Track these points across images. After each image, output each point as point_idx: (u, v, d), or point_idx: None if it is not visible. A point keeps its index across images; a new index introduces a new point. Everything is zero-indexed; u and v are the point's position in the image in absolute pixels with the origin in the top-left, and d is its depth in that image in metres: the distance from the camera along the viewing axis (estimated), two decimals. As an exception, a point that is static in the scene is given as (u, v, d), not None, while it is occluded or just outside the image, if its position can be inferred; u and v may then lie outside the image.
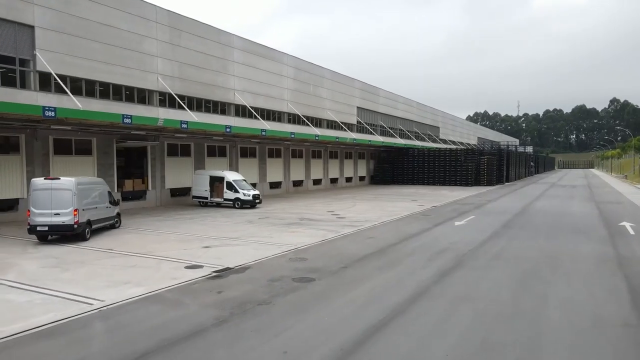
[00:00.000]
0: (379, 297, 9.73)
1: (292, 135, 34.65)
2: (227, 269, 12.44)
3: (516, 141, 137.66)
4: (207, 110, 32.85)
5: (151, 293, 10.15)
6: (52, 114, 18.84)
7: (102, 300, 9.55)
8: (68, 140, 24.29)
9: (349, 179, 52.95)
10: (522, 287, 10.56)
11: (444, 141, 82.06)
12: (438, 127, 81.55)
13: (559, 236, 17.76)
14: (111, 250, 15.05)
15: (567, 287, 10.54)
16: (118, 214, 19.86)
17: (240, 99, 35.03)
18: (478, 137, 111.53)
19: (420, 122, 72.88)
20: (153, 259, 13.66)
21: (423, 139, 71.57)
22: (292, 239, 17.09)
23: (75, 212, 16.14)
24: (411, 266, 12.65)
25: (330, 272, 11.97)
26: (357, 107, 53.46)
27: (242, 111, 35.71)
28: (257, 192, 28.59)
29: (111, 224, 19.30)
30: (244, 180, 29.29)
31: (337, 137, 40.77)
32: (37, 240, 16.58)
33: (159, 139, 28.79)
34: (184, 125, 25.28)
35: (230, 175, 28.33)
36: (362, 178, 56.13)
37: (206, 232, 18.65)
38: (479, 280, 11.18)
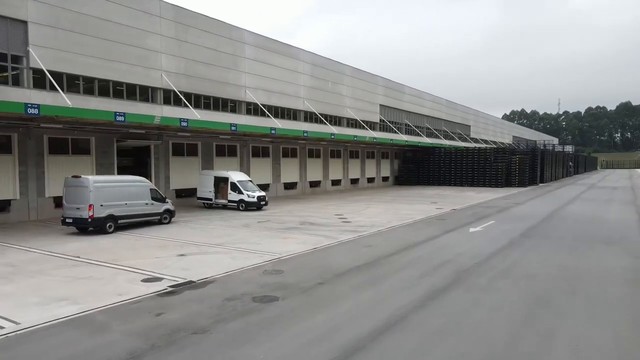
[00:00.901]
0: (340, 328, 7.98)
1: (305, 134, 33.09)
2: (188, 283, 10.96)
3: (555, 140, 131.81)
4: (216, 108, 31.68)
5: (82, 314, 8.77)
6: (35, 111, 17.94)
7: (18, 323, 8.22)
8: (64, 140, 23.52)
9: (371, 180, 50.96)
10: (525, 318, 8.58)
11: (476, 140, 78.69)
12: (469, 126, 78.26)
13: (587, 248, 15.45)
14: (78, 257, 13.85)
15: (586, 322, 8.46)
16: (167, 211, 20.94)
17: (252, 97, 33.72)
18: (513, 136, 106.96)
19: (449, 121, 69.97)
20: (113, 269, 12.34)
21: (452, 138, 68.67)
22: (280, 247, 15.51)
23: (90, 207, 17.79)
24: (397, 285, 10.81)
25: (301, 290, 10.29)
26: (380, 105, 51.37)
27: (254, 109, 34.40)
28: (262, 193, 27.14)
29: (158, 220, 20.55)
30: (250, 181, 27.92)
31: (354, 136, 38.93)
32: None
33: (162, 138, 27.78)
34: (184, 124, 24.13)
35: (235, 176, 26.99)
36: (385, 179, 54.00)
37: (192, 237, 17.29)
38: (473, 306, 9.25)
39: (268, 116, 34.72)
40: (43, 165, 22.54)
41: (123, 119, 21.08)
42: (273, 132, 30.22)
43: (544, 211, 26.47)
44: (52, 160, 22.98)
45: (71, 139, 23.72)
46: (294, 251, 14.84)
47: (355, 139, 38.93)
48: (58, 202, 23.15)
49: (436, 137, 63.33)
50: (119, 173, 26.75)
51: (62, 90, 23.23)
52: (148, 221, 20.32)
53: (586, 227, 20.03)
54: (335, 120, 43.92)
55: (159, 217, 20.59)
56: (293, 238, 17.40)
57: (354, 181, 48.02)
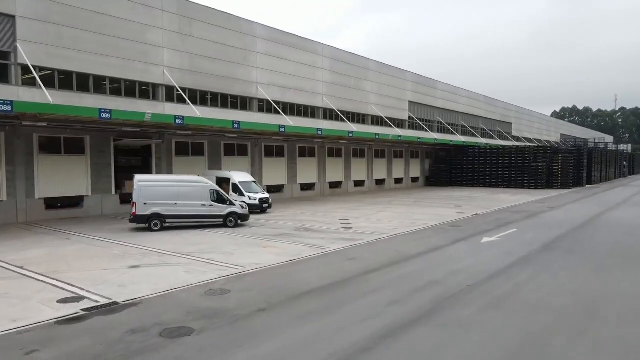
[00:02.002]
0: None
1: (319, 132, 31.09)
2: (109, 304, 9.26)
3: (609, 138, 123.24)
4: (224, 106, 30.23)
5: (-53, 346, 7.19)
6: (9, 108, 16.90)
7: None
8: (55, 139, 22.63)
9: (398, 181, 48.28)
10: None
11: (517, 139, 73.96)
12: (510, 123, 73.71)
13: (620, 268, 12.66)
14: (21, 267, 12.49)
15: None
16: (233, 214, 19.73)
17: (263, 93, 32.06)
18: (561, 134, 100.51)
19: (487, 118, 65.96)
20: (43, 284, 10.83)
21: (490, 136, 64.70)
22: (252, 258, 13.65)
23: (133, 205, 18.55)
24: (354, 315, 8.67)
25: (231, 320, 8.35)
26: (409, 102, 48.60)
27: (266, 106, 32.73)
28: (265, 195, 25.38)
29: (222, 223, 19.53)
30: (254, 182, 26.24)
31: (376, 134, 36.56)
32: None
33: (164, 137, 26.56)
34: (179, 121, 22.75)
35: (237, 177, 25.35)
36: (415, 179, 51.12)
37: (164, 245, 15.69)
38: (435, 352, 7.00)
39: (280, 113, 32.95)
40: (32, 165, 21.70)
41: (109, 116, 19.86)
42: (282, 130, 28.42)
43: (580, 217, 23.28)
44: (43, 160, 22.12)
45: (64, 137, 22.80)
46: (264, 264, 12.94)
47: (377, 137, 36.56)
48: (49, 203, 22.38)
49: (472, 135, 59.70)
50: (121, 173, 25.78)
51: (54, 87, 22.39)
52: (209, 224, 19.42)
53: (627, 240, 16.97)
54: (358, 118, 41.64)
55: (221, 220, 19.48)
56: (274, 247, 15.48)
57: (380, 182, 45.53)
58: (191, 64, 28.01)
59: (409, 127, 48.42)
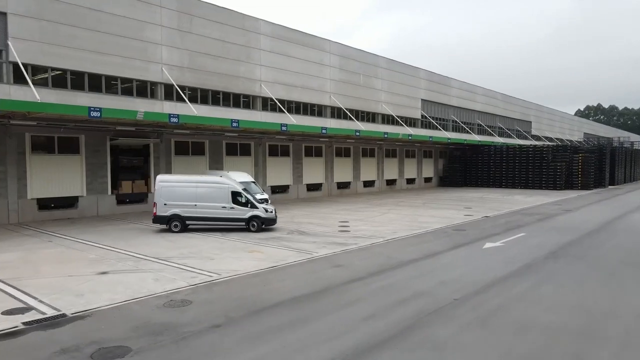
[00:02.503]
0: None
1: (324, 131, 30.13)
2: (56, 317, 8.51)
3: (635, 137, 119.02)
4: (227, 104, 29.53)
5: None
6: (-11, 106, 16.43)
7: None
8: (49, 138, 22.21)
9: (410, 181, 46.96)
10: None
11: (538, 138, 71.70)
12: (530, 122, 71.51)
13: (632, 277, 11.41)
14: (-14, 272, 11.87)
15: None
16: (255, 217, 18.29)
17: (267, 91, 31.25)
18: (584, 133, 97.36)
19: (505, 117, 64.01)
20: (-2, 292, 10.15)
21: (509, 135, 62.74)
22: (232, 264, 12.80)
23: (154, 205, 18.40)
24: (324, 331, 7.72)
25: (176, 338, 7.47)
26: (422, 100, 47.24)
27: (270, 105, 31.91)
28: (264, 196, 24.49)
29: (244, 226, 18.35)
30: (253, 182, 25.38)
31: (385, 133, 35.40)
32: None
33: (163, 136, 25.96)
34: (174, 120, 22.07)
35: (233, 177, 24.48)
36: (428, 179, 49.70)
37: (142, 249, 14.94)
38: (397, 382, 5.99)
39: (283, 111, 32.09)
40: (25, 164, 21.28)
41: (99, 115, 19.27)
42: (284, 128, 27.56)
43: (597, 221, 21.81)
44: (36, 160, 21.70)
45: (57, 137, 22.35)
46: (242, 270, 12.06)
47: (386, 136, 35.40)
48: (42, 203, 21.95)
49: (489, 134, 57.90)
50: (118, 173, 25.29)
51: (48, 85, 21.97)
52: (230, 227, 18.44)
53: (643, 245, 15.59)
54: (368, 117, 40.53)
55: (244, 223, 18.31)
56: (260, 252, 14.60)
57: (390, 182, 44.30)
58: (191, 61, 27.36)
59: (422, 126, 47.06)
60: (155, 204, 18.36)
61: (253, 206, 18.40)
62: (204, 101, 28.38)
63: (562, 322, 8.13)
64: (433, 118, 48.41)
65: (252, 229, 18.25)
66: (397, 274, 11.67)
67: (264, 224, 18.43)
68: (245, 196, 18.38)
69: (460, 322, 8.07)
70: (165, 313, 8.73)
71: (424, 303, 9.14)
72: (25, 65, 20.97)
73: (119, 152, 25.34)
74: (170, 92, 26.49)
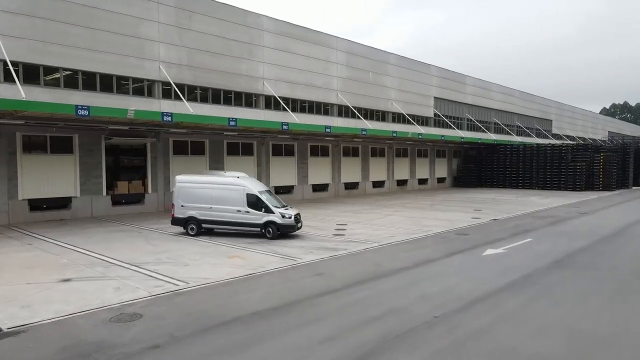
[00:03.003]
0: None
1: (328, 130, 29.13)
2: (-11, 332, 7.76)
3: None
4: (228, 102, 28.80)
5: None
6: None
7: None
8: (41, 137, 21.78)
9: (422, 181, 45.59)
10: None
11: (558, 137, 69.26)
12: (550, 120, 69.16)
13: (641, 291, 10.16)
14: (-55, 278, 11.29)
15: None
16: (271, 223, 16.51)
17: (270, 89, 30.43)
18: (608, 132, 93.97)
19: (524, 115, 61.95)
20: (-56, 301, 9.50)
21: (527, 134, 60.70)
22: (206, 271, 11.99)
23: (172, 207, 17.88)
24: (272, 355, 6.79)
25: (107, 361, 6.64)
26: (435, 98, 45.82)
27: (274, 103, 31.08)
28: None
29: (259, 232, 16.79)
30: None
31: (394, 132, 34.22)
32: None
33: (160, 136, 25.36)
34: (167, 118, 21.37)
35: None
36: (441, 180, 48.23)
37: (120, 253, 14.22)
38: None
39: (286, 110, 31.21)
40: (15, 164, 20.89)
41: (87, 113, 18.65)
42: (286, 127, 26.65)
43: (614, 225, 20.34)
44: (27, 160, 21.29)
45: (50, 136, 21.92)
46: (214, 279, 11.23)
47: (394, 135, 34.22)
48: (33, 204, 21.53)
49: (507, 133, 56.05)
50: (113, 173, 24.82)
51: (40, 84, 21.55)
52: (246, 232, 17.04)
53: (661, 253, 14.20)
54: (377, 115, 39.37)
55: (259, 229, 16.75)
56: (241, 258, 13.74)
57: (401, 182, 43.03)
58: (190, 59, 26.70)
59: (435, 125, 45.66)
60: (173, 205, 17.83)
61: (268, 210, 16.62)
62: (204, 100, 27.72)
63: (549, 351, 7.01)
64: (446, 116, 46.95)
65: (267, 235, 16.60)
66: (378, 285, 10.65)
67: (279, 230, 16.57)
68: (261, 199, 16.71)
69: (429, 349, 7.04)
70: (106, 330, 7.92)
71: (396, 322, 8.13)
72: (16, 63, 20.59)
73: (115, 152, 24.85)
74: (168, 91, 25.88)
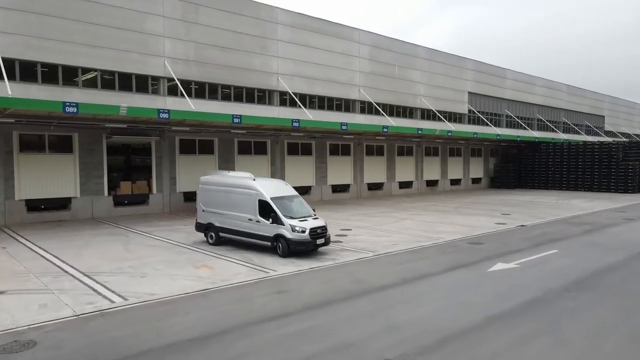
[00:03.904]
0: None
1: (344, 128, 27.29)
2: None
3: None
4: (238, 100, 27.58)
5: None
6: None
7: None
8: (39, 136, 21.25)
9: (455, 182, 42.78)
10: None
11: (612, 134, 64.01)
12: (602, 117, 64.02)
13: (678, 328, 7.83)
14: None
15: None
16: (280, 237, 13.47)
17: (284, 85, 28.95)
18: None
19: (572, 111, 57.52)
20: None
21: (576, 132, 56.28)
22: (161, 284, 10.65)
23: (195, 211, 16.37)
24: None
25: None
26: (469, 93, 42.92)
27: (290, 99, 29.59)
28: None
29: (271, 246, 13.83)
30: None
31: (419, 129, 31.89)
32: None
33: (164, 134, 24.40)
34: (164, 115, 20.27)
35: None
36: (476, 180, 45.18)
37: (83, 260, 13.08)
38: None
39: (306, 107, 29.63)
40: (12, 164, 20.41)
41: (75, 110, 17.80)
42: (296, 124, 25.06)
43: (662, 235, 17.43)
44: (25, 159, 20.78)
45: (48, 135, 21.36)
46: (160, 295, 9.84)
47: (420, 132, 31.88)
48: (30, 205, 21.01)
49: (551, 130, 52.09)
50: (115, 173, 24.11)
51: (37, 81, 21.02)
52: (259, 245, 14.29)
53: None
54: (405, 112, 37.13)
55: (269, 242, 13.87)
56: (209, 268, 12.28)
57: (432, 183, 40.46)
58: (198, 54, 25.64)
59: (469, 122, 42.79)
60: (196, 209, 16.35)
61: (278, 221, 13.58)
62: (213, 96, 26.60)
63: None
64: (482, 113, 43.90)
65: (278, 251, 13.65)
66: (342, 310, 8.86)
67: (289, 246, 13.31)
68: (271, 206, 13.80)
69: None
70: (-17, 362, 6.60)
71: (332, 366, 6.34)
72: (12, 60, 20.16)
73: (117, 151, 24.10)
74: (175, 88, 24.88)
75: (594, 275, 11.35)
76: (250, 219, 14.31)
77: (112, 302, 9.38)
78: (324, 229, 13.90)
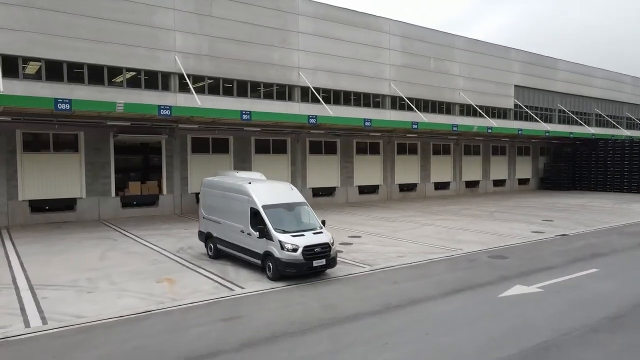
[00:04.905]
0: None
1: (367, 124, 25.19)
2: None
3: None
4: (255, 95, 26.17)
5: None
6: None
7: None
8: (43, 135, 20.66)
9: (499, 183, 39.40)
10: None
11: (685, 130, 57.57)
12: (673, 111, 57.66)
13: None
14: None
15: None
16: (269, 256, 10.96)
17: (305, 80, 27.23)
18: None
19: (638, 105, 52.14)
20: None
21: (641, 127, 50.96)
22: (103, 302, 9.32)
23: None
24: None
25: None
26: (515, 86, 39.40)
27: (312, 95, 27.85)
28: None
29: (260, 265, 11.40)
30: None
31: (454, 126, 29.21)
32: None
33: (174, 132, 23.35)
34: (165, 112, 19.14)
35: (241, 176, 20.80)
36: (523, 181, 41.49)
37: (48, 269, 11.95)
38: None
39: (330, 103, 27.77)
40: (15, 164, 19.94)
41: (68, 107, 16.97)
42: (313, 121, 23.29)
43: None
44: (28, 159, 20.28)
45: (52, 134, 20.75)
46: (90, 318, 8.43)
47: (455, 129, 29.20)
48: (34, 206, 20.49)
49: (612, 126, 47.23)
50: (123, 173, 23.34)
51: (41, 78, 20.48)
52: (252, 262, 11.85)
53: None
54: (441, 107, 34.42)
55: (259, 260, 11.43)
56: (170, 282, 10.75)
57: (471, 184, 37.39)
58: (212, 48, 24.41)
59: (515, 117, 39.31)
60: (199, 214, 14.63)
61: (265, 234, 11.09)
62: (228, 92, 25.31)
63: None
64: (530, 107, 40.23)
65: (268, 272, 11.10)
66: (285, 349, 6.99)
67: (279, 267, 10.71)
68: (261, 216, 11.33)
69: None
70: None
71: None
72: (15, 57, 19.71)
73: (125, 150, 23.29)
74: (187, 84, 23.76)
75: (637, 308, 8.81)
76: (242, 231, 11.99)
77: (28, 326, 8.01)
78: (325, 247, 11.02)
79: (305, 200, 12.57)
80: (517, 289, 10.05)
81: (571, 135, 37.62)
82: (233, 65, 25.13)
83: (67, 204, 21.19)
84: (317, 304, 9.16)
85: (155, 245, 15.19)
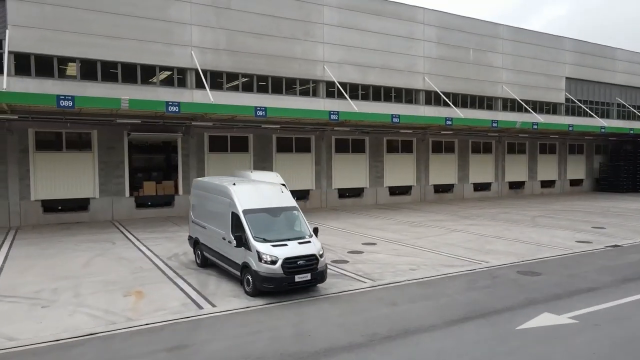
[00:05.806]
0: None
1: (395, 120, 23.31)
2: None
3: None
4: (277, 91, 24.89)
5: None
6: None
7: None
8: (56, 134, 20.25)
9: (548, 184, 36.19)
10: None
11: None
12: None
13: None
14: None
15: None
16: (246, 268, 9.64)
17: (330, 74, 25.68)
18: None
19: None
20: None
21: None
22: (48, 320, 8.28)
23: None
24: None
25: None
26: (567, 79, 36.07)
27: (337, 91, 26.26)
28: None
29: (239, 277, 10.08)
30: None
31: (493, 122, 26.66)
32: None
33: (190, 130, 22.44)
34: (174, 109, 18.16)
35: (255, 177, 19.49)
36: (576, 182, 37.99)
37: (25, 276, 11.11)
38: None
39: (358, 98, 26.09)
40: (27, 163, 19.60)
41: (71, 105, 16.29)
42: (335, 117, 21.68)
43: None
44: (41, 158, 19.91)
45: (65, 132, 20.31)
46: (17, 342, 7.28)
47: (494, 125, 26.69)
48: (47, 205, 20.11)
49: (680, 121, 42.57)
50: (138, 173, 22.67)
51: (53, 76, 20.08)
52: (233, 274, 10.53)
53: None
54: (481, 102, 31.90)
55: (238, 272, 10.08)
56: (139, 296, 9.55)
57: (516, 185, 34.48)
58: (230, 42, 23.35)
59: (567, 113, 36.02)
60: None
61: (243, 243, 9.75)
62: (248, 89, 24.18)
63: None
64: (585, 102, 36.75)
65: (245, 287, 9.74)
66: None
67: (257, 282, 9.29)
68: (241, 222, 10.00)
69: None
70: None
71: None
72: (27, 55, 19.40)
73: (140, 149, 22.62)
74: (205, 79, 22.82)
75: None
76: (224, 238, 10.67)
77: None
78: (311, 259, 9.45)
79: (296, 205, 11.01)
80: (543, 319, 8.09)
81: (631, 132, 33.84)
82: (253, 60, 23.97)
83: (80, 204, 20.72)
84: (289, 331, 7.64)
85: (150, 251, 14.15)
